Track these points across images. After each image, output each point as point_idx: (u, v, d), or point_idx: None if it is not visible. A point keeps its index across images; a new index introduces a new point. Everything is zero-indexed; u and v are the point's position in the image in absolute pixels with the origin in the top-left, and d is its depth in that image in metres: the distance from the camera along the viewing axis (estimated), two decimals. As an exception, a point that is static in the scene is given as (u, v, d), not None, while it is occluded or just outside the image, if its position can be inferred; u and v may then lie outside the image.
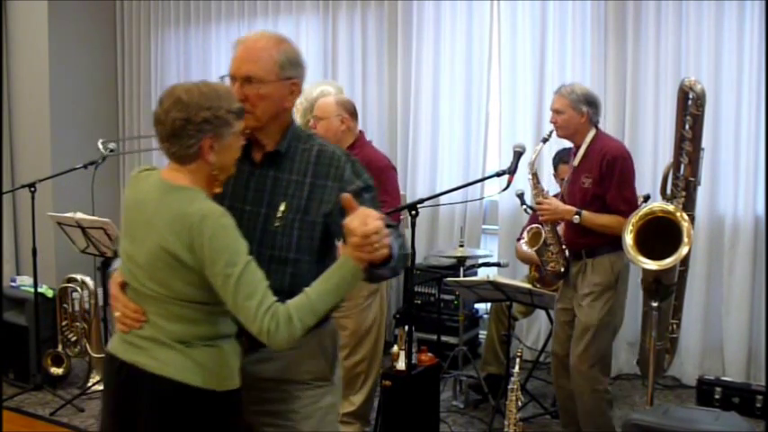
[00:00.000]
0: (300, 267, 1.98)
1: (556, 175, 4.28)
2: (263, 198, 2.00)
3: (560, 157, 4.19)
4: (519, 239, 4.45)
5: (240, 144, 1.89)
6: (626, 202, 3.32)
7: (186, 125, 1.79)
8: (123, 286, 1.93)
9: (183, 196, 1.82)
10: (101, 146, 4.21)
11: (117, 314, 1.93)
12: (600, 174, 3.33)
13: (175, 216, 1.79)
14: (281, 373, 2.03)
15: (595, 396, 3.43)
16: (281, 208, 1.98)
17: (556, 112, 3.44)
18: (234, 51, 2.01)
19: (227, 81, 1.99)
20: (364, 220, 1.70)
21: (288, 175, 2.01)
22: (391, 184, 3.54)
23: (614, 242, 3.32)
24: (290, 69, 1.98)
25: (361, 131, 3.69)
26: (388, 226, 1.76)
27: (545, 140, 3.52)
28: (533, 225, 3.85)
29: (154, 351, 1.85)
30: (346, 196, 1.77)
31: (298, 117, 4.46)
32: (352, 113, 3.61)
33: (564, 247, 3.54)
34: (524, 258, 4.40)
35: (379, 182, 3.42)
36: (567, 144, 3.73)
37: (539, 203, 3.49)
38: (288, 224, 1.97)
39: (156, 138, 1.86)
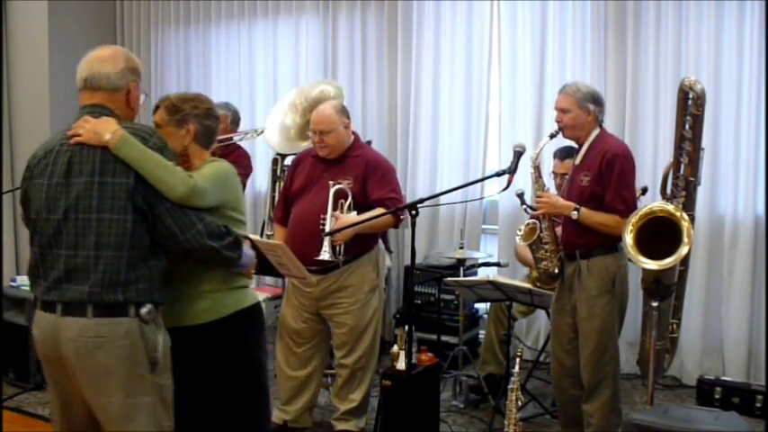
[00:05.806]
0: None
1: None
2: None
3: (562, 153, 4.16)
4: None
5: None
6: (624, 201, 3.28)
7: None
8: None
9: None
10: None
11: None
12: (599, 172, 3.28)
13: None
14: None
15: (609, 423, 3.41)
16: None
17: (561, 111, 3.36)
18: None
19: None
20: None
21: None
22: (398, 183, 3.76)
23: (608, 244, 3.30)
24: None
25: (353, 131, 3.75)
26: None
27: (552, 136, 3.43)
28: (530, 220, 3.82)
29: None
30: None
31: (297, 117, 4.46)
32: (348, 114, 3.67)
33: (560, 247, 3.47)
34: (523, 260, 4.39)
35: (384, 178, 3.58)
36: (569, 141, 3.71)
37: (538, 197, 3.45)
38: None
39: None
